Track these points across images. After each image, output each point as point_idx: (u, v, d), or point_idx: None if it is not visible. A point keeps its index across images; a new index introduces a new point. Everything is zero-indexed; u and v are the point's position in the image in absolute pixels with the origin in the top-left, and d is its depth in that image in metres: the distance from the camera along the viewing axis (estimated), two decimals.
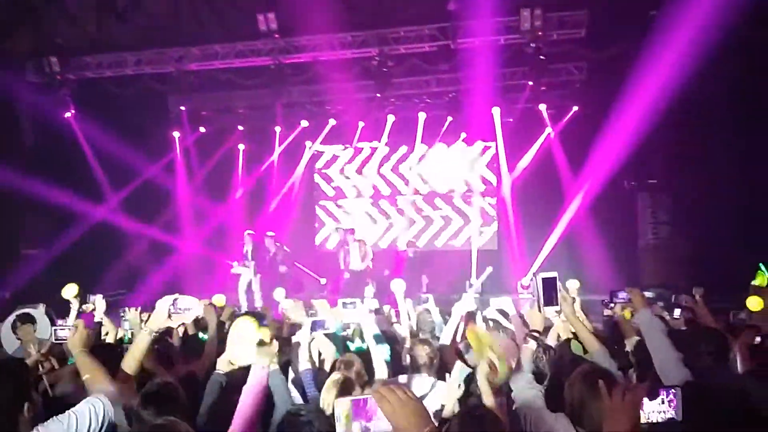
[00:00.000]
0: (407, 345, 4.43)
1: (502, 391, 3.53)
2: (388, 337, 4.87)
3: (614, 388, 2.05)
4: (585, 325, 3.93)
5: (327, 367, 4.16)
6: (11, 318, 5.01)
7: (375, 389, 1.68)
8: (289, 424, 2.75)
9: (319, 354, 4.31)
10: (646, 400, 2.13)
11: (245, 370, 3.81)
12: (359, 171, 15.32)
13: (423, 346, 4.03)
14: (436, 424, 1.63)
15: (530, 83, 11.42)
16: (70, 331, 3.18)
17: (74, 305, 5.94)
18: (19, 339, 4.87)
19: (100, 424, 2.65)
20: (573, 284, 5.68)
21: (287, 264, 12.56)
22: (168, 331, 5.18)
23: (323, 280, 13.61)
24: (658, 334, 3.27)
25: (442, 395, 3.50)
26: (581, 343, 4.65)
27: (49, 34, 11.74)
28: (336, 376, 3.29)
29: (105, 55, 11.68)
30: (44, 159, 11.90)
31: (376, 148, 14.84)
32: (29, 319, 4.98)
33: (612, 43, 10.34)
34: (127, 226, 12.77)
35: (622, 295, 4.54)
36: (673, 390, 2.20)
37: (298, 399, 3.83)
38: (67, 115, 11.98)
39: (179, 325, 5.43)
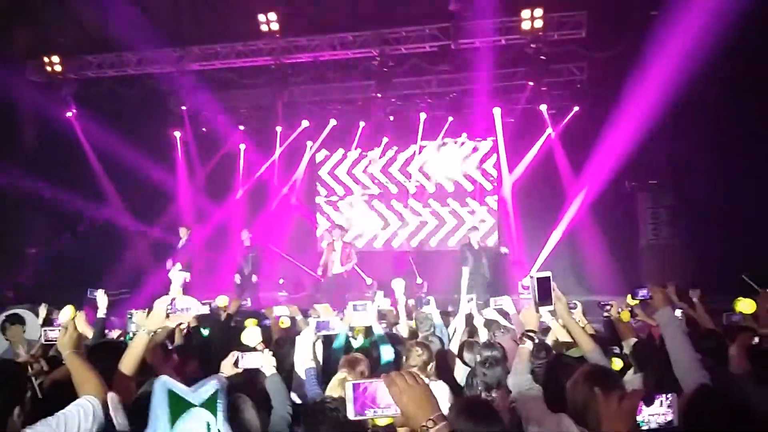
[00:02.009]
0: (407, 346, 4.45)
1: (502, 385, 3.57)
2: (391, 338, 4.90)
3: (611, 392, 2.06)
4: (582, 326, 3.95)
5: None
6: (0, 318, 4.99)
7: (384, 374, 1.68)
8: (314, 412, 2.79)
9: (324, 353, 4.34)
10: (643, 405, 2.13)
11: (247, 374, 3.84)
12: (360, 171, 15.32)
13: (417, 350, 4.05)
14: None
15: (531, 84, 11.44)
16: (60, 332, 3.16)
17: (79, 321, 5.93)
18: (8, 340, 4.85)
19: (90, 426, 2.61)
20: (577, 310, 5.67)
21: (258, 273, 12.17)
22: (169, 331, 5.17)
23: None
24: (678, 334, 3.17)
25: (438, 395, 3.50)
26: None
27: (50, 32, 11.78)
28: (341, 375, 3.31)
29: (106, 55, 11.71)
30: (46, 158, 11.95)
31: (377, 148, 14.82)
32: (18, 320, 4.96)
33: (612, 44, 10.36)
34: (129, 225, 12.82)
35: (643, 292, 4.54)
36: (669, 395, 2.20)
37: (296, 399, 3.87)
38: (69, 114, 12.02)
39: (178, 325, 5.42)
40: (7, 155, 11.59)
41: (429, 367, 3.94)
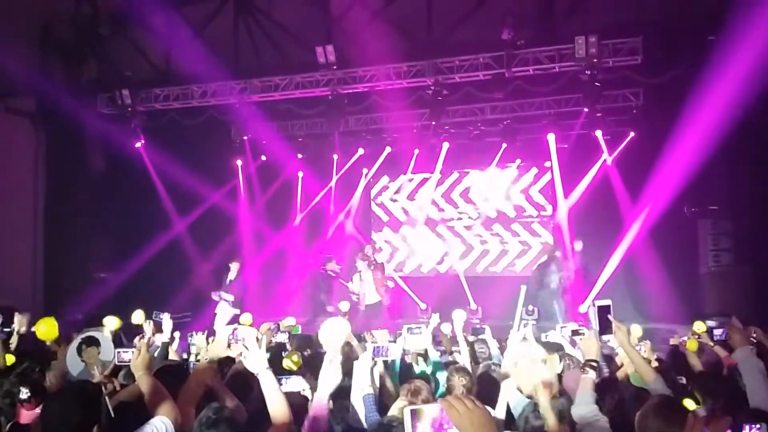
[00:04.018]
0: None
1: (566, 419, 3.57)
2: (449, 365, 4.95)
3: (694, 420, 2.05)
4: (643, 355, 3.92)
5: None
6: (77, 341, 5.18)
7: (442, 398, 1.74)
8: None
9: (381, 379, 4.43)
10: None
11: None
12: (415, 198, 15.45)
13: (459, 377, 4.08)
14: None
15: (585, 110, 11.39)
16: (133, 354, 3.32)
17: (147, 328, 6.24)
18: (83, 361, 5.04)
19: None
20: (636, 330, 5.61)
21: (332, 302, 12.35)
22: (228, 360, 5.34)
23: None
24: (756, 374, 3.21)
25: None
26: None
27: (119, 66, 12.42)
28: (402, 402, 3.36)
29: (171, 88, 12.23)
30: (115, 186, 12.50)
31: (431, 175, 14.92)
32: (94, 342, 5.14)
33: (669, 69, 10.24)
34: (192, 251, 13.25)
35: (719, 332, 4.49)
36: (758, 425, 2.16)
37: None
38: (138, 144, 12.55)
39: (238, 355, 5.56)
40: (79, 183, 12.22)
41: (472, 393, 3.94)
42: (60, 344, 5.24)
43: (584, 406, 3.19)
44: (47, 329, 4.97)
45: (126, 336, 7.10)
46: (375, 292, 11.35)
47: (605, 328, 3.31)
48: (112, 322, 6.23)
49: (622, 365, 4.73)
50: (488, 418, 1.65)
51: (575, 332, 4.73)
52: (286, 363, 4.60)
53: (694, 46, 9.80)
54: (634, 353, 3.56)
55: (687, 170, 10.60)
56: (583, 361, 3.56)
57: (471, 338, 5.93)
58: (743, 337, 3.43)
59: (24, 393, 3.67)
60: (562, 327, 5.88)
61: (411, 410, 1.70)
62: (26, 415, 3.60)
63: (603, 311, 3.31)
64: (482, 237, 14.93)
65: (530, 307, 12.30)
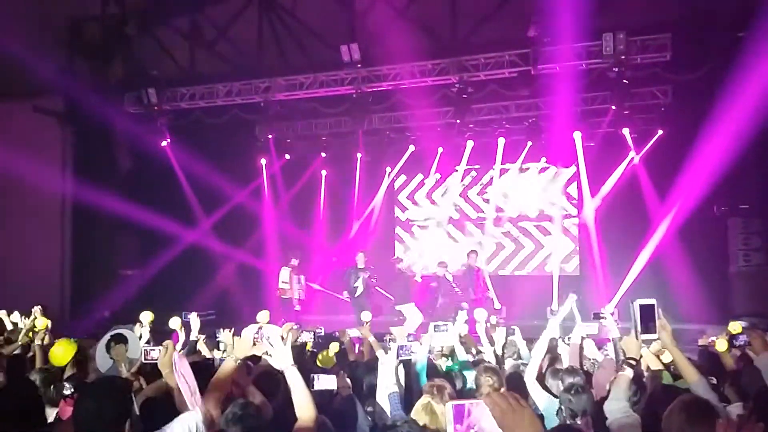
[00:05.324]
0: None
1: (588, 413, 3.55)
2: (476, 363, 4.92)
3: (726, 423, 2.00)
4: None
5: None
6: (106, 338, 5.20)
7: (486, 395, 1.71)
8: None
9: (405, 377, 4.40)
10: None
11: (320, 395, 3.96)
12: (438, 196, 15.40)
13: (487, 376, 4.06)
14: None
15: (613, 107, 11.24)
16: (160, 352, 3.37)
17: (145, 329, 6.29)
18: (112, 359, 5.09)
19: None
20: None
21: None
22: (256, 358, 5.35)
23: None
24: None
25: None
26: (671, 374, 4.58)
27: (145, 65, 12.55)
28: (426, 400, 3.35)
29: (197, 87, 12.32)
30: (141, 185, 12.63)
31: (455, 173, 14.85)
32: (122, 339, 5.19)
33: (698, 66, 10.08)
34: (217, 249, 13.33)
35: (742, 338, 4.44)
36: None
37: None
38: (164, 143, 12.66)
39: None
40: (105, 181, 12.36)
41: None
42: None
43: (617, 402, 3.22)
44: (63, 353, 4.89)
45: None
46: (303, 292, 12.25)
47: (646, 328, 3.26)
48: (147, 317, 6.31)
49: (648, 367, 4.67)
50: (532, 417, 1.63)
51: (597, 315, 4.70)
52: (321, 359, 4.60)
53: (724, 42, 9.62)
54: (678, 354, 3.49)
55: (716, 168, 10.42)
56: (623, 359, 3.54)
57: (501, 339, 5.86)
58: (765, 342, 3.36)
59: (67, 389, 3.70)
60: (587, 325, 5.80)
61: (454, 405, 1.68)
62: (68, 411, 3.62)
63: (645, 310, 3.24)
64: (505, 237, 14.81)
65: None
